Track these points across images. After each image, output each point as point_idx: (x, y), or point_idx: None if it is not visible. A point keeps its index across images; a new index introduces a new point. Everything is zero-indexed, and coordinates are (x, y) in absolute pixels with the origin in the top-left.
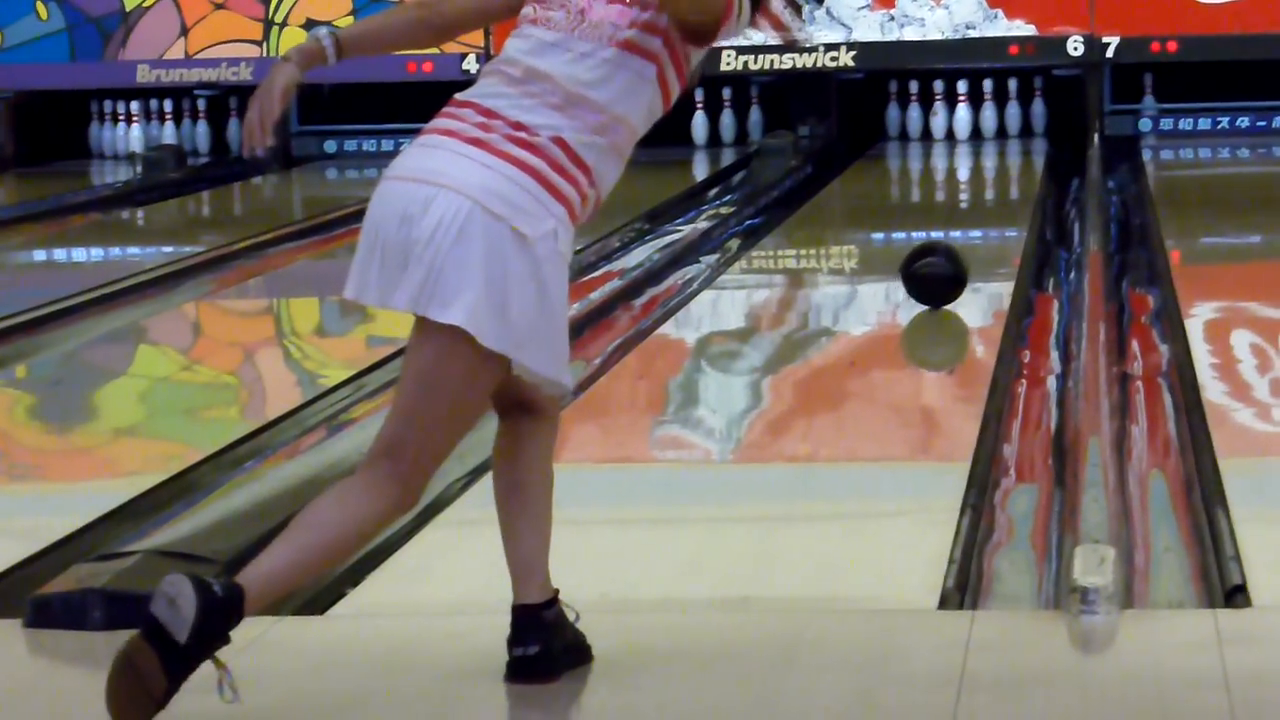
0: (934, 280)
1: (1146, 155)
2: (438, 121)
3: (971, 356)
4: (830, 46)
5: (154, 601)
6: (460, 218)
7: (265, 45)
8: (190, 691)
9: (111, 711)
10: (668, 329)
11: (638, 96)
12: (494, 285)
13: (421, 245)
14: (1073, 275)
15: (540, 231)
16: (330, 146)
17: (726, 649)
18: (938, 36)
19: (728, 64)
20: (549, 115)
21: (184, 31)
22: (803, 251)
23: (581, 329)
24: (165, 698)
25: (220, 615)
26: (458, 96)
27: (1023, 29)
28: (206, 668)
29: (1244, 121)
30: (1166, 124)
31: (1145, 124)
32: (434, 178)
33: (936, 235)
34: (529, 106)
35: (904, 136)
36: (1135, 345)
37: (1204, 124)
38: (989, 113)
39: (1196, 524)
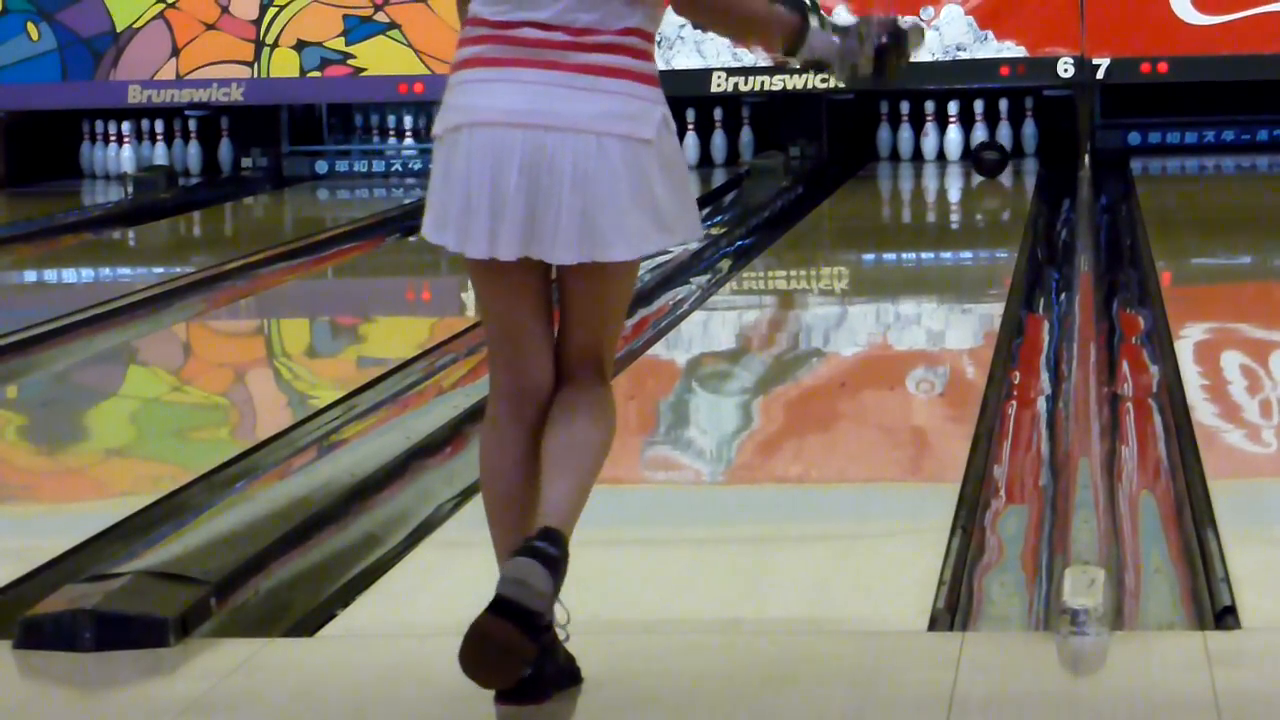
0: (992, 163)
1: (1136, 170)
2: (499, 50)
3: (962, 377)
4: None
5: (501, 586)
6: (590, 155)
7: (256, 66)
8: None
9: (484, 682)
10: (658, 349)
11: None
12: (643, 200)
13: (563, 193)
14: (1063, 296)
15: (656, 126)
16: (321, 167)
17: (716, 670)
18: (928, 58)
19: (719, 85)
20: (602, 7)
21: (175, 52)
22: (793, 272)
23: None
24: (534, 657)
25: (559, 568)
26: (491, 17)
27: (1013, 50)
28: None
29: (1229, 135)
30: (1154, 138)
31: (1134, 137)
32: (538, 120)
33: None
34: (574, 6)
35: (895, 157)
36: (1126, 366)
37: (1190, 138)
38: (980, 133)
39: (1186, 545)
